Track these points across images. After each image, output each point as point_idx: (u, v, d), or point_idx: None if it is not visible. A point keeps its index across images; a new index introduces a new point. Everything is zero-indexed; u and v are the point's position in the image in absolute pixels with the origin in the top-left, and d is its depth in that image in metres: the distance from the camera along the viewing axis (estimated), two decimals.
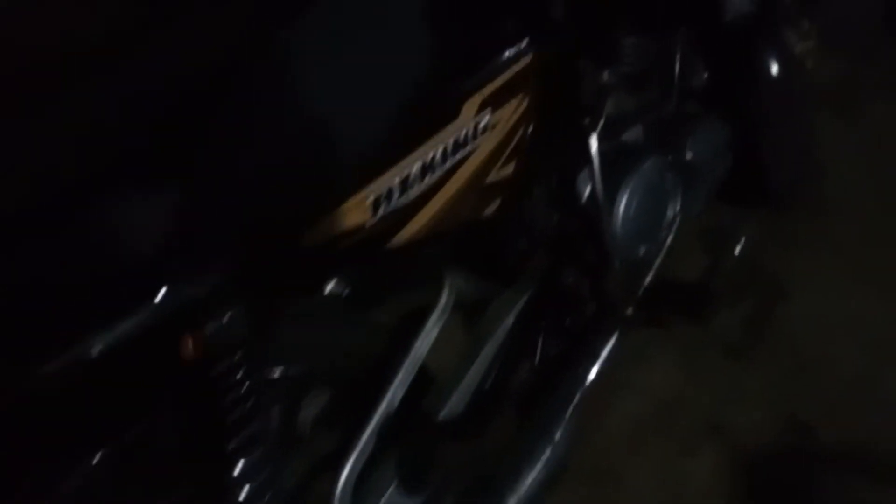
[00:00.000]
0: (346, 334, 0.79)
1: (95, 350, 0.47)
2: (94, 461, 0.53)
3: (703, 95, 1.06)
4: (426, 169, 0.67)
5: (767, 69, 1.19)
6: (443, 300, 0.80)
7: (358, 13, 0.62)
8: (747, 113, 1.26)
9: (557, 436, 0.88)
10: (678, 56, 1.01)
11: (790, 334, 1.43)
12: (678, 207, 0.98)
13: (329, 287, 0.77)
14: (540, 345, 0.92)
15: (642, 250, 0.95)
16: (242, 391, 0.59)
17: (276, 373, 0.69)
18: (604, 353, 0.96)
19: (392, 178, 0.64)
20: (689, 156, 0.98)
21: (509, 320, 0.88)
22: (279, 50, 0.58)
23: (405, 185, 0.65)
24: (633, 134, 0.96)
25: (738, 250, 1.06)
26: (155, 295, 0.50)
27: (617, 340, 0.97)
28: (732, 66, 1.20)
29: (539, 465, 0.86)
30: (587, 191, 0.89)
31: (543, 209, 0.90)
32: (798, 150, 1.33)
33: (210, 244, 0.55)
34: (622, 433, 1.29)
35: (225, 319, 0.55)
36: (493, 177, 0.74)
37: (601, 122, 0.89)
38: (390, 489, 0.78)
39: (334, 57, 0.61)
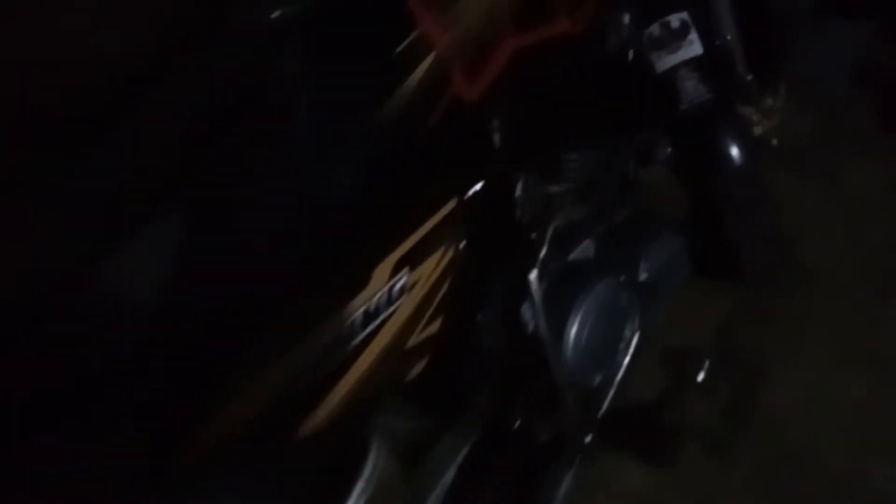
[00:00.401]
0: None
1: None
2: None
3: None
4: (329, 351, 0.59)
5: (727, 158, 1.14)
6: (368, 469, 0.72)
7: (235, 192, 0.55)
8: (709, 200, 1.22)
9: None
10: (627, 164, 0.95)
11: (773, 421, 1.35)
12: (635, 328, 0.90)
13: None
14: (491, 490, 0.84)
15: (597, 379, 0.88)
16: None
17: None
18: (562, 490, 0.88)
19: (292, 366, 0.56)
20: (643, 275, 0.90)
21: (452, 471, 0.80)
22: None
23: (308, 368, 0.57)
24: (583, 251, 0.89)
25: (700, 377, 0.98)
26: None
27: (576, 473, 0.89)
28: (690, 155, 1.16)
29: None
30: (531, 324, 0.81)
31: (487, 343, 0.82)
32: (764, 231, 1.29)
33: None
34: None
35: None
36: (415, 339, 0.66)
37: (545, 245, 0.82)
38: None
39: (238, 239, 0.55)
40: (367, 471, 0.73)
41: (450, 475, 0.82)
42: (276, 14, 0.64)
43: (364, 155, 0.63)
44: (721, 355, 1.41)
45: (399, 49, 0.64)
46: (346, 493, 0.71)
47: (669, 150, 1.16)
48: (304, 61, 0.63)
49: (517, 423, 0.85)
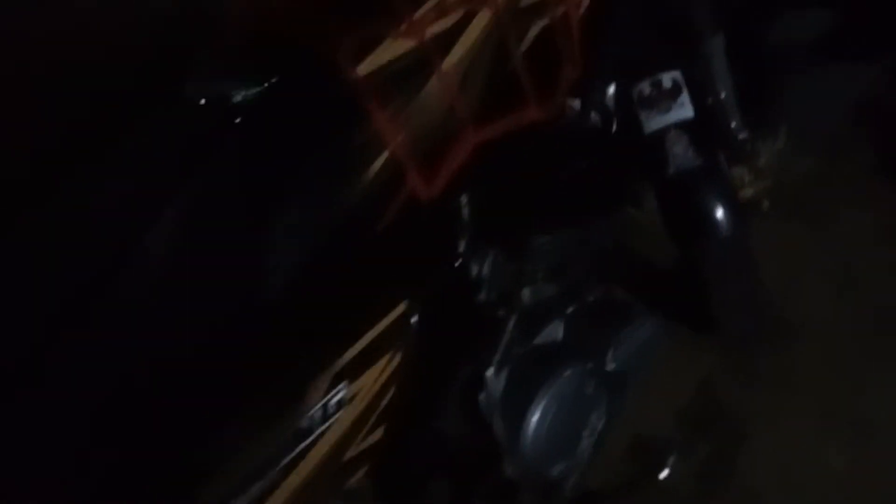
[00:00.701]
0: None
1: None
2: None
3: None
4: (263, 468, 0.56)
5: (713, 225, 1.11)
6: None
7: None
8: (693, 264, 1.20)
9: None
10: (604, 242, 0.92)
11: (750, 490, 1.32)
12: (601, 416, 0.87)
13: None
14: None
15: (557, 469, 0.84)
16: None
17: None
18: None
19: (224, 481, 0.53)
20: (612, 364, 0.87)
21: None
22: None
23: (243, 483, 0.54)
24: (549, 333, 0.86)
25: (664, 473, 0.95)
26: None
27: None
28: (676, 221, 1.13)
29: None
30: (489, 416, 0.78)
31: (443, 434, 0.79)
32: (747, 298, 1.26)
33: None
34: None
35: None
36: (354, 451, 0.63)
37: (509, 331, 0.79)
38: None
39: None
40: None
41: None
42: (231, 93, 0.61)
43: (306, 257, 0.60)
44: (701, 415, 1.38)
45: (351, 147, 0.61)
46: None
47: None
48: (250, 146, 0.61)
49: None
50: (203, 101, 0.61)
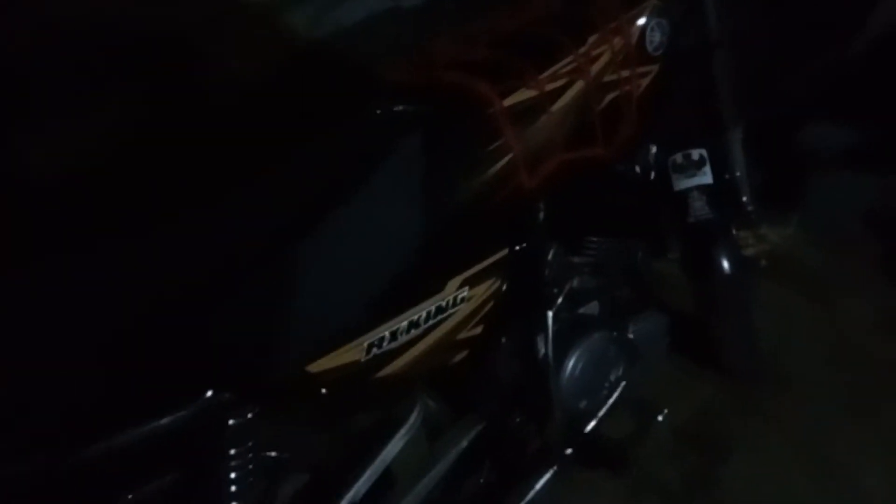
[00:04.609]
0: (329, 434, 1.02)
1: None
2: None
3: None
4: (412, 325, 0.92)
5: (720, 267, 1.43)
6: (413, 418, 1.04)
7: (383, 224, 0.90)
8: (702, 299, 1.51)
9: None
10: (637, 253, 1.27)
11: (725, 492, 1.57)
12: (619, 375, 1.21)
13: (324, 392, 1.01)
14: (485, 470, 1.14)
15: (583, 404, 1.18)
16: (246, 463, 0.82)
17: (273, 454, 0.92)
18: (538, 486, 1.16)
19: (383, 331, 0.90)
20: (631, 335, 1.22)
21: (462, 445, 1.10)
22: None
23: (395, 335, 0.91)
24: (589, 309, 1.21)
25: (662, 417, 1.27)
26: None
27: (552, 476, 1.18)
28: (691, 259, 1.46)
29: None
30: (541, 350, 1.13)
31: (505, 361, 1.14)
32: (743, 334, 1.56)
33: None
34: None
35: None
36: (462, 335, 0.99)
37: (561, 298, 1.15)
38: None
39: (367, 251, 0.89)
40: (410, 422, 1.05)
41: (454, 454, 1.11)
42: (400, 109, 0.99)
43: (457, 211, 0.97)
44: (693, 432, 1.67)
45: (489, 148, 0.99)
46: (394, 432, 1.03)
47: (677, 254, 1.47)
48: (419, 144, 0.98)
49: (515, 426, 1.15)
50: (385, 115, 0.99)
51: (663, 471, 1.58)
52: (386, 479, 1.04)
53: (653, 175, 1.35)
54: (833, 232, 2.03)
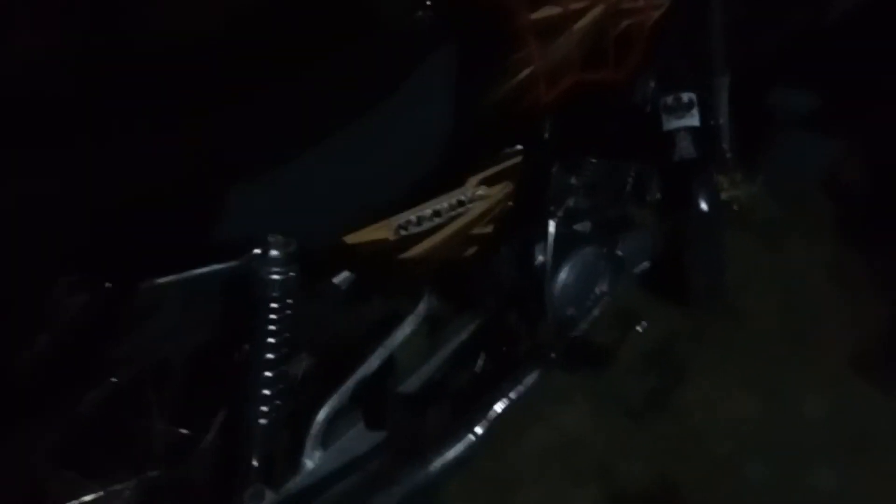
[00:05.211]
0: (341, 317, 1.11)
1: None
2: None
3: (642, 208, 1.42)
4: (435, 213, 1.00)
5: (697, 203, 1.54)
6: (420, 308, 1.12)
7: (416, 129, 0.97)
8: (677, 231, 1.62)
9: (477, 432, 1.18)
10: (628, 178, 1.37)
11: (681, 410, 1.74)
12: (606, 287, 1.31)
13: (338, 279, 1.09)
14: (481, 361, 1.24)
15: (571, 311, 1.29)
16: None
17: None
18: (526, 381, 1.28)
19: (411, 215, 0.97)
20: (619, 251, 1.32)
21: (462, 336, 1.20)
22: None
23: (420, 220, 0.99)
24: (582, 226, 1.31)
25: (640, 328, 1.40)
26: None
27: (538, 374, 1.29)
28: (672, 194, 1.56)
29: (456, 449, 1.15)
30: (540, 258, 1.22)
31: (506, 264, 1.23)
32: (710, 265, 1.67)
33: None
34: (530, 456, 1.60)
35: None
36: (476, 231, 1.07)
37: (561, 212, 1.24)
38: (352, 431, 1.08)
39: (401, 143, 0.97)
40: (416, 313, 1.14)
41: (454, 344, 1.21)
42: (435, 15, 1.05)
43: (481, 115, 1.04)
44: (657, 353, 1.82)
45: (512, 58, 1.06)
46: (400, 322, 1.12)
47: (658, 195, 1.56)
48: (452, 50, 1.04)
49: (510, 323, 1.25)
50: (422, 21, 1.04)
51: (628, 387, 1.73)
52: (389, 364, 1.13)
53: (648, 108, 1.43)
54: (792, 188, 2.16)
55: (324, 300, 1.06)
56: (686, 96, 1.44)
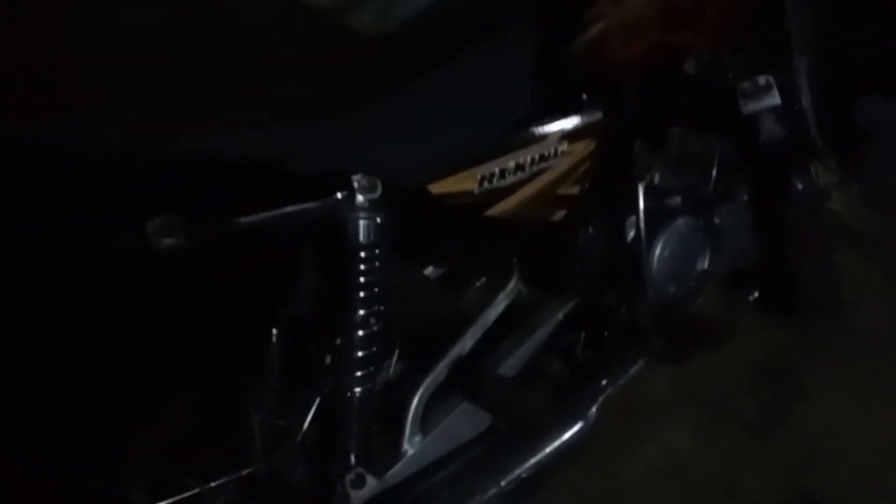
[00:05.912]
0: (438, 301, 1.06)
1: None
2: None
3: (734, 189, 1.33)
4: (518, 167, 0.96)
5: (795, 188, 1.42)
6: (511, 284, 1.07)
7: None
8: (774, 223, 1.51)
9: (579, 424, 1.08)
10: (717, 155, 1.30)
11: (804, 425, 1.57)
12: (706, 263, 1.22)
13: (428, 271, 1.06)
14: (580, 345, 1.15)
15: (672, 289, 1.19)
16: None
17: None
18: (629, 373, 1.17)
19: (494, 167, 0.94)
20: (717, 221, 1.24)
21: (559, 317, 1.12)
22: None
23: (503, 173, 0.95)
24: (673, 200, 1.23)
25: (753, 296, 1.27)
26: None
27: (641, 367, 1.19)
28: (764, 179, 1.46)
29: (559, 441, 1.05)
30: (632, 233, 1.15)
31: (597, 241, 1.16)
32: (819, 264, 1.52)
33: None
34: (637, 480, 1.45)
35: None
36: (563, 190, 1.03)
37: (648, 181, 1.18)
38: (451, 416, 1.00)
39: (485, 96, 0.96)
40: (510, 286, 1.08)
41: (557, 318, 1.13)
42: None
43: (559, 68, 1.02)
44: (768, 367, 1.67)
45: (586, 13, 1.05)
46: (494, 296, 1.06)
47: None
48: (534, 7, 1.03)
49: (607, 305, 1.17)
50: None
51: (743, 400, 1.57)
52: (484, 345, 1.06)
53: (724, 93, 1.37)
54: (889, 202, 2.05)
55: (412, 278, 1.02)
56: (762, 79, 1.36)
